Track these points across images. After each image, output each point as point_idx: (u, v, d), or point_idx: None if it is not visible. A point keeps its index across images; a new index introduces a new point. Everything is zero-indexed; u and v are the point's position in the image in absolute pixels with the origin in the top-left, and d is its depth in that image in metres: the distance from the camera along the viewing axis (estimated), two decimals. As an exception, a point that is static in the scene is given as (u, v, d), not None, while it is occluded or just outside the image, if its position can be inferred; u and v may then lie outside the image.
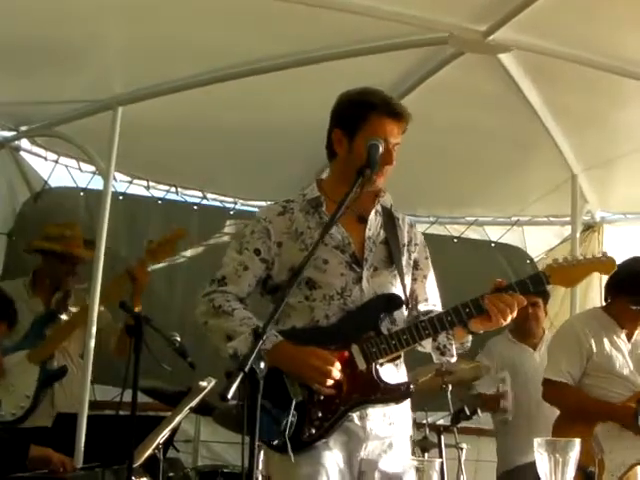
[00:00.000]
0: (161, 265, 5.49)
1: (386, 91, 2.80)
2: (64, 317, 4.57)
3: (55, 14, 3.66)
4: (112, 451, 3.48)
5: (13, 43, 3.91)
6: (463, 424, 4.67)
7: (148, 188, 6.05)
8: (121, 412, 3.31)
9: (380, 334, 2.65)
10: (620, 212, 6.07)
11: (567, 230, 5.77)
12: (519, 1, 3.46)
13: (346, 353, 2.63)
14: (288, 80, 4.23)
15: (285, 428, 2.53)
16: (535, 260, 6.38)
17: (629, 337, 4.01)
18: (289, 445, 2.53)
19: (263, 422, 2.20)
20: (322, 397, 2.60)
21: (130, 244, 5.45)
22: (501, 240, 6.45)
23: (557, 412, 4.07)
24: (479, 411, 4.60)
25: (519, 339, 5.13)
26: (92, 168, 5.51)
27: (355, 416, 2.63)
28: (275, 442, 2.56)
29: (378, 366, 2.65)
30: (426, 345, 2.74)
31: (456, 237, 6.46)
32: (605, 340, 3.95)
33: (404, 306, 2.76)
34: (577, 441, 1.98)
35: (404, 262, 2.80)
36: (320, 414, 2.59)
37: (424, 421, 4.63)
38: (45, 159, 5.65)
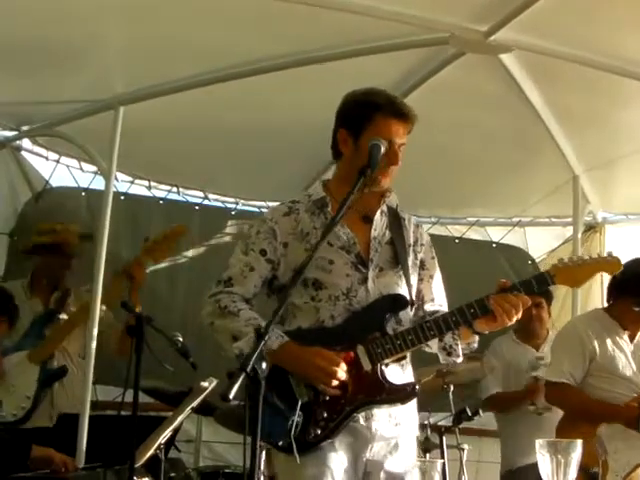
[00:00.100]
0: (163, 265, 5.50)
1: (387, 91, 2.80)
2: (63, 317, 4.56)
3: (55, 14, 3.66)
4: (114, 451, 3.48)
5: (14, 43, 3.92)
6: (465, 425, 4.68)
7: (150, 188, 6.05)
8: (123, 412, 3.30)
9: (385, 334, 2.65)
10: (622, 213, 6.07)
11: (569, 231, 5.77)
12: (520, 1, 3.46)
13: (351, 354, 2.63)
14: (288, 80, 4.23)
15: (291, 428, 2.53)
16: (537, 261, 6.38)
17: (631, 338, 4.01)
18: (294, 446, 2.53)
19: (269, 422, 2.20)
20: (327, 398, 2.60)
21: (131, 244, 5.43)
22: (503, 241, 6.45)
23: (561, 413, 4.07)
24: (481, 411, 4.61)
25: (523, 340, 5.13)
26: (93, 168, 5.52)
27: (361, 417, 2.63)
28: (280, 443, 2.56)
29: (383, 367, 2.65)
30: (432, 345, 2.74)
31: (457, 238, 6.46)
32: (608, 341, 3.94)
33: (409, 306, 2.76)
34: (579, 442, 1.98)
35: (410, 262, 2.80)
36: (325, 415, 2.59)
37: (426, 422, 4.62)
38: (46, 159, 5.65)
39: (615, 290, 4.04)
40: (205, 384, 3.53)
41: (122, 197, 5.74)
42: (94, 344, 4.17)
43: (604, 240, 6.08)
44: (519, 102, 4.37)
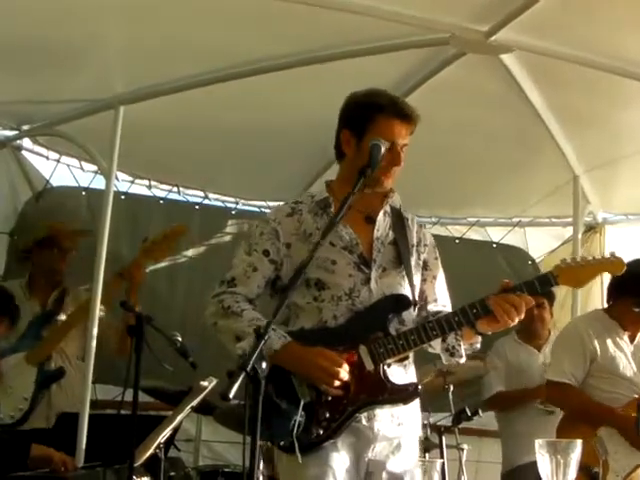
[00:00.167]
0: (162, 265, 5.51)
1: (389, 92, 2.81)
2: (61, 318, 4.56)
3: (55, 14, 3.66)
4: (113, 450, 3.48)
5: (14, 43, 3.92)
6: (464, 425, 4.68)
7: (150, 188, 6.05)
8: (122, 411, 3.30)
9: (388, 335, 2.65)
10: (622, 213, 6.07)
11: (569, 231, 5.77)
12: (521, 2, 3.46)
13: (354, 354, 2.63)
14: (288, 80, 4.23)
15: (293, 428, 2.53)
16: (537, 261, 6.38)
17: (631, 339, 4.01)
18: (297, 445, 2.54)
19: (271, 422, 2.20)
20: (330, 398, 2.60)
21: (132, 244, 5.43)
22: (503, 241, 6.45)
23: (561, 412, 4.07)
24: (480, 411, 4.61)
25: (525, 340, 5.14)
26: (94, 167, 5.51)
27: (363, 417, 2.63)
28: (282, 442, 2.57)
29: (386, 367, 2.65)
30: (435, 346, 2.74)
31: (458, 238, 6.46)
32: (608, 342, 3.94)
33: (412, 307, 2.76)
34: (578, 442, 1.98)
35: (413, 263, 2.80)
36: (328, 415, 2.59)
37: (425, 421, 4.62)
38: (47, 158, 5.65)
39: (615, 291, 4.04)
40: (205, 383, 3.54)
41: (122, 197, 5.73)
42: (94, 343, 4.17)
43: (604, 240, 6.08)
44: (519, 102, 4.37)
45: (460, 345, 2.72)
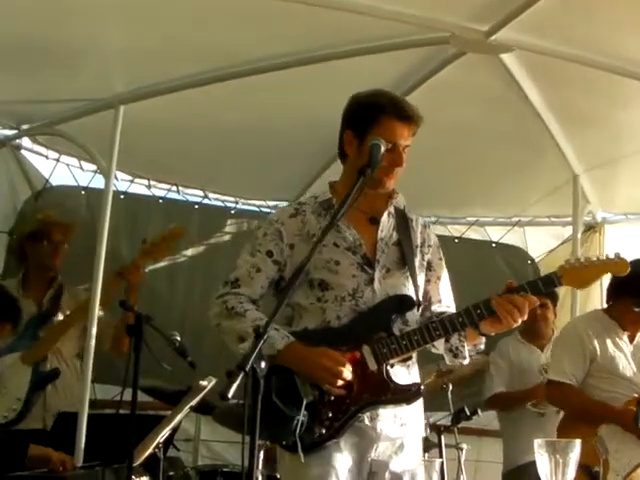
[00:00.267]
0: (162, 264, 5.50)
1: (391, 92, 2.80)
2: (58, 317, 4.53)
3: (55, 14, 3.66)
4: (112, 450, 3.48)
5: (14, 42, 3.91)
6: (464, 424, 4.68)
7: (149, 187, 6.05)
8: (121, 411, 3.30)
9: (391, 335, 2.66)
10: (621, 213, 6.07)
11: (568, 231, 5.76)
12: (521, 1, 3.46)
13: (357, 354, 2.64)
14: (288, 80, 4.23)
15: (296, 428, 2.54)
16: (536, 261, 6.38)
17: (631, 339, 4.01)
18: (299, 445, 2.54)
19: (273, 422, 2.20)
20: (333, 397, 2.61)
21: (131, 243, 5.43)
22: (502, 241, 6.44)
23: (559, 412, 4.07)
24: (479, 411, 4.61)
25: (528, 340, 5.14)
26: (93, 167, 5.51)
27: (366, 417, 2.64)
28: (285, 442, 2.57)
29: (389, 367, 2.66)
30: (439, 347, 2.75)
31: (457, 237, 6.45)
32: (608, 341, 3.94)
33: (416, 307, 2.76)
34: (577, 442, 1.97)
35: (417, 263, 2.80)
36: (330, 414, 2.60)
37: (425, 421, 4.62)
38: (46, 158, 5.64)
39: (615, 291, 4.04)
40: (204, 383, 3.54)
41: (122, 196, 5.73)
42: (93, 342, 4.16)
43: (604, 240, 6.08)
44: (519, 102, 4.37)
45: (464, 346, 2.73)
